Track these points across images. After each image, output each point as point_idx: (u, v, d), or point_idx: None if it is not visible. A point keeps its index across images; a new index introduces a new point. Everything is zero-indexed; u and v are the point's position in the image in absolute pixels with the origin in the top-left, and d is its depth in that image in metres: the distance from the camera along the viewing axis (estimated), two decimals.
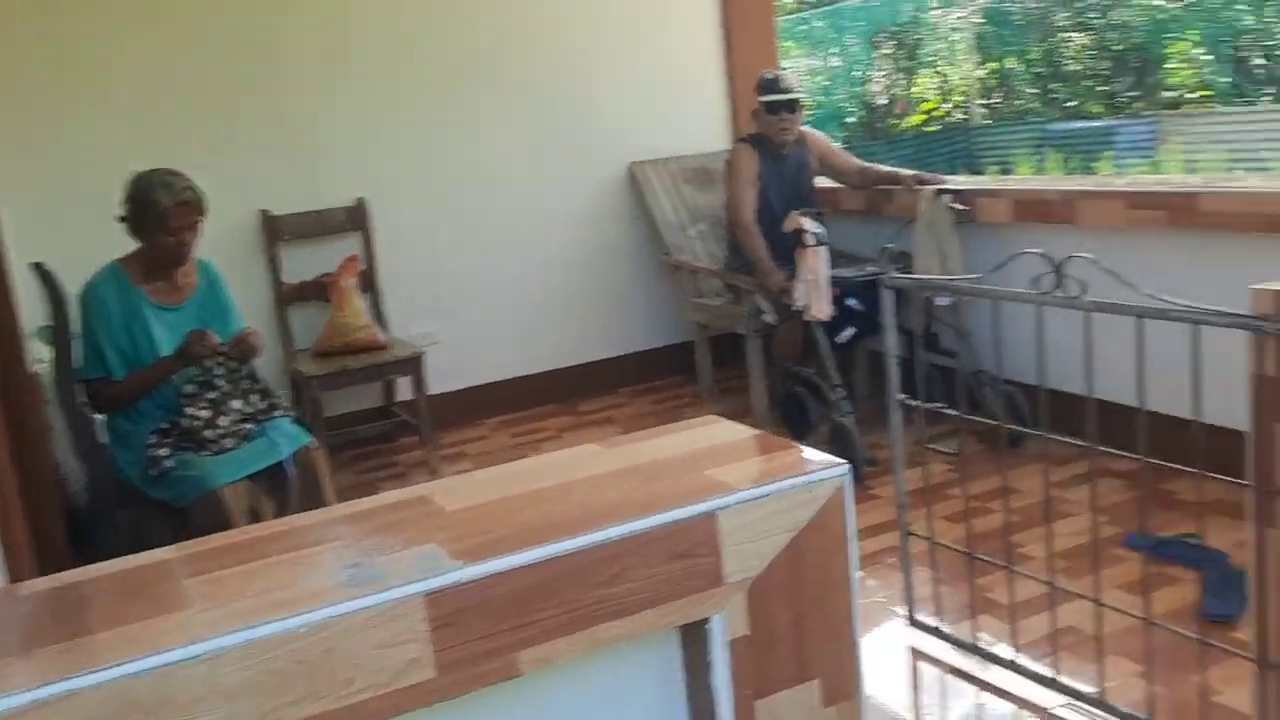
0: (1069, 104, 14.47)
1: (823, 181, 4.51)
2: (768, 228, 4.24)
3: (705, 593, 1.08)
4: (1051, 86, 15.04)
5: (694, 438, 1.31)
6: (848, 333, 4.03)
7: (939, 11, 15.28)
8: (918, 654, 2.58)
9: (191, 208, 2.97)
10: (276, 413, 3.09)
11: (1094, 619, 2.24)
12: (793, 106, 4.23)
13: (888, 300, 2.48)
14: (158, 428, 3.01)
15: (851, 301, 3.98)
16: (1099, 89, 14.82)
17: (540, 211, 4.92)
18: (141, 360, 3.00)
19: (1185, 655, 2.26)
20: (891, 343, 2.49)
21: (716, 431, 1.34)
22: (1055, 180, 4.35)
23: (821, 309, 3.80)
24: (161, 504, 2.96)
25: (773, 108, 4.23)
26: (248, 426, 3.04)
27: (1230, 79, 13.06)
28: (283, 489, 3.02)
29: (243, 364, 3.05)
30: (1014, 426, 3.31)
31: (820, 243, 3.79)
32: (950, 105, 15.95)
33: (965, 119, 15.41)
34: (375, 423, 4.58)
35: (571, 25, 4.87)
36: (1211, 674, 2.16)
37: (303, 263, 4.46)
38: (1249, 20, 12.46)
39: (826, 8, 15.44)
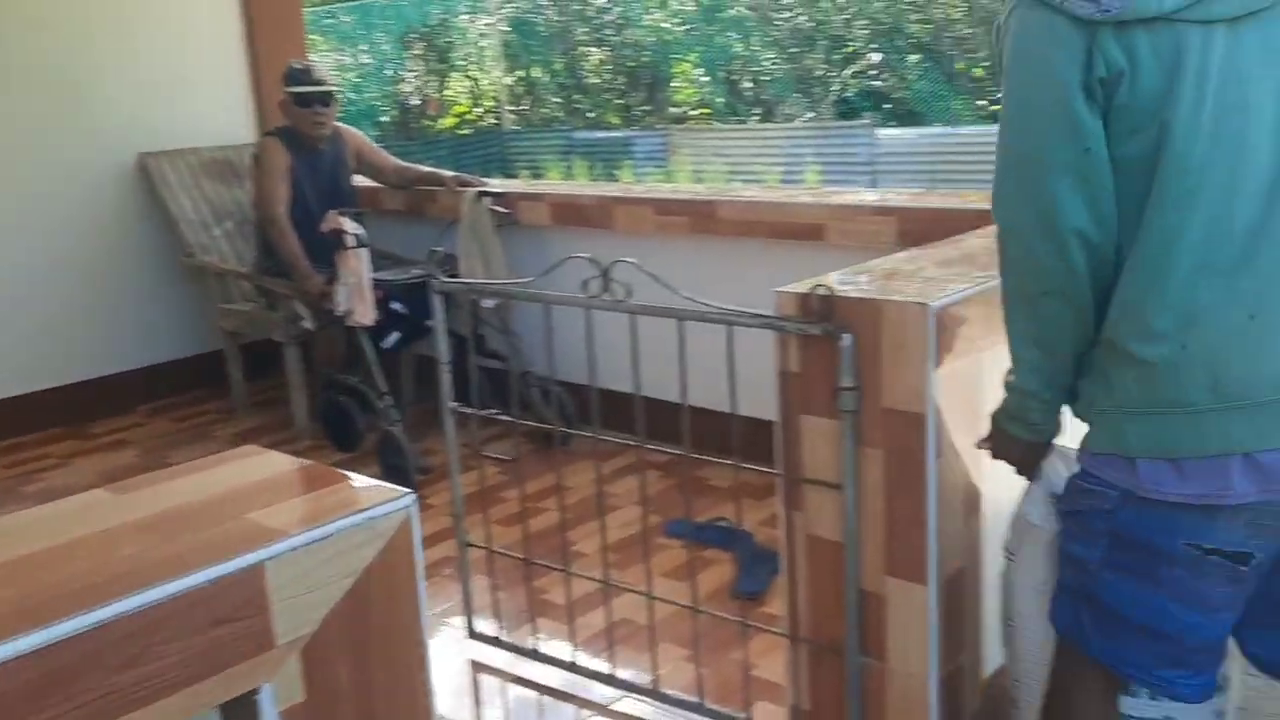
0: (590, 115, 15.37)
1: (360, 180, 4.33)
2: (303, 227, 3.99)
3: (252, 660, 0.91)
4: (575, 97, 15.89)
5: (228, 474, 1.13)
6: (393, 337, 3.89)
7: (467, 16, 15.52)
8: (478, 666, 2.53)
9: None
10: None
11: (645, 610, 2.32)
12: (326, 99, 4.01)
13: (437, 305, 2.39)
14: None
15: (396, 305, 3.85)
16: (616, 102, 15.89)
17: (31, 209, 4.25)
18: None
19: (728, 635, 2.41)
20: (442, 348, 2.41)
21: (256, 465, 1.17)
22: (591, 186, 4.53)
23: (365, 313, 3.63)
24: None
25: (304, 100, 3.98)
26: None
27: (725, 99, 14.58)
28: None
29: None
30: (562, 429, 3.38)
31: (361, 244, 3.61)
32: (482, 110, 16.30)
33: (497, 124, 15.81)
34: None
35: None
36: (750, 650, 2.32)
37: None
38: (738, 48, 13.99)
39: (355, 3, 15.09)
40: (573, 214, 3.84)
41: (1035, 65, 1.38)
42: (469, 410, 2.44)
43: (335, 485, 1.07)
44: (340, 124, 4.21)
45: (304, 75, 3.99)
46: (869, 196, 3.28)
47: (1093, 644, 1.51)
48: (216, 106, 4.76)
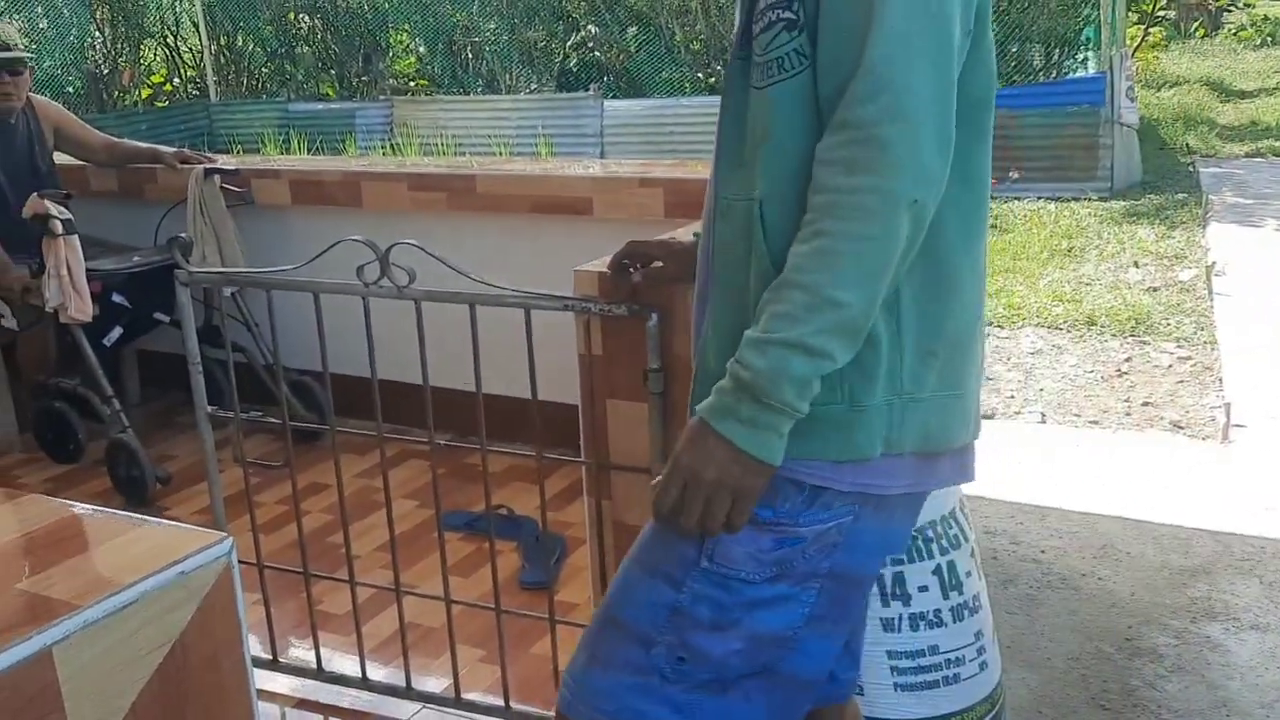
0: (304, 85, 14.59)
1: (63, 159, 3.84)
2: None
3: None
4: (286, 67, 15.04)
5: None
6: (115, 333, 3.48)
7: None
8: (262, 695, 2.29)
9: None
10: None
11: (433, 612, 2.17)
12: (15, 67, 3.51)
13: (185, 299, 2.12)
14: None
15: (117, 298, 3.44)
16: (331, 72, 15.19)
17: None
18: None
19: (523, 629, 2.31)
20: (193, 347, 2.14)
21: (11, 514, 0.95)
22: (336, 161, 4.24)
23: (81, 309, 3.22)
24: None
25: None
26: None
27: (446, 70, 14.24)
28: None
29: None
30: (311, 423, 3.14)
31: (70, 230, 3.19)
32: (180, 79, 15.10)
33: (199, 95, 14.71)
34: None
35: None
36: (550, 644, 2.22)
37: None
38: (458, 18, 13.67)
39: None
40: (315, 192, 3.57)
41: None
42: (227, 414, 2.19)
43: (128, 534, 0.88)
44: (35, 96, 3.71)
45: None
46: (632, 168, 3.23)
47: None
48: None
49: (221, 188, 3.56)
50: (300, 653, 2.41)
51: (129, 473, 3.21)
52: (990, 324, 5.19)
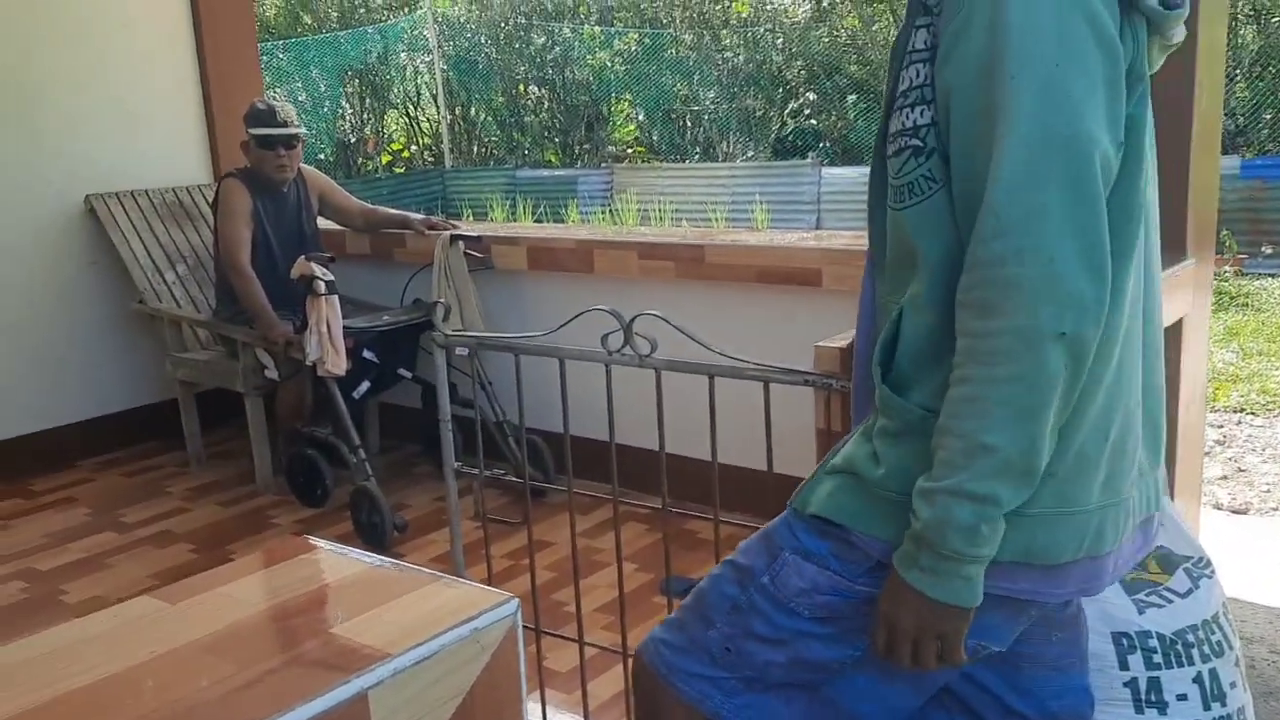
0: (528, 153, 15.31)
1: (324, 223, 4.18)
2: (267, 273, 3.82)
3: None
4: (515, 135, 15.82)
5: (290, 576, 1.00)
6: (363, 387, 3.73)
7: (406, 54, 15.40)
8: None
9: None
10: None
11: None
12: (291, 142, 3.85)
13: (441, 361, 2.26)
14: None
15: (367, 354, 3.69)
16: (555, 139, 15.86)
17: None
18: None
19: None
20: (445, 406, 2.27)
21: (316, 563, 1.03)
22: (570, 229, 4.41)
23: (337, 363, 3.47)
24: None
25: (267, 142, 3.82)
26: None
27: (664, 137, 14.62)
28: None
29: None
30: (540, 481, 3.25)
31: (332, 290, 3.46)
32: (417, 147, 16.15)
33: (435, 162, 15.67)
34: None
35: (10, 30, 4.05)
36: None
37: None
38: (678, 88, 14.04)
39: (290, 39, 14.88)
40: (549, 258, 3.73)
41: (1083, 19, 1.04)
42: (472, 471, 2.30)
43: (422, 589, 0.94)
44: (304, 166, 4.06)
45: (268, 116, 3.83)
46: (849, 240, 3.22)
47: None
48: (169, 146, 4.57)
49: (465, 253, 3.78)
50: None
51: (370, 519, 3.41)
52: (1241, 411, 4.83)
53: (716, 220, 10.03)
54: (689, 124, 14.28)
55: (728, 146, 13.50)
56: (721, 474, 2.00)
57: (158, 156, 4.53)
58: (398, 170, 15.47)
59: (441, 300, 2.25)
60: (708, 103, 13.78)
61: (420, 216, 4.12)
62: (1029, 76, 1.01)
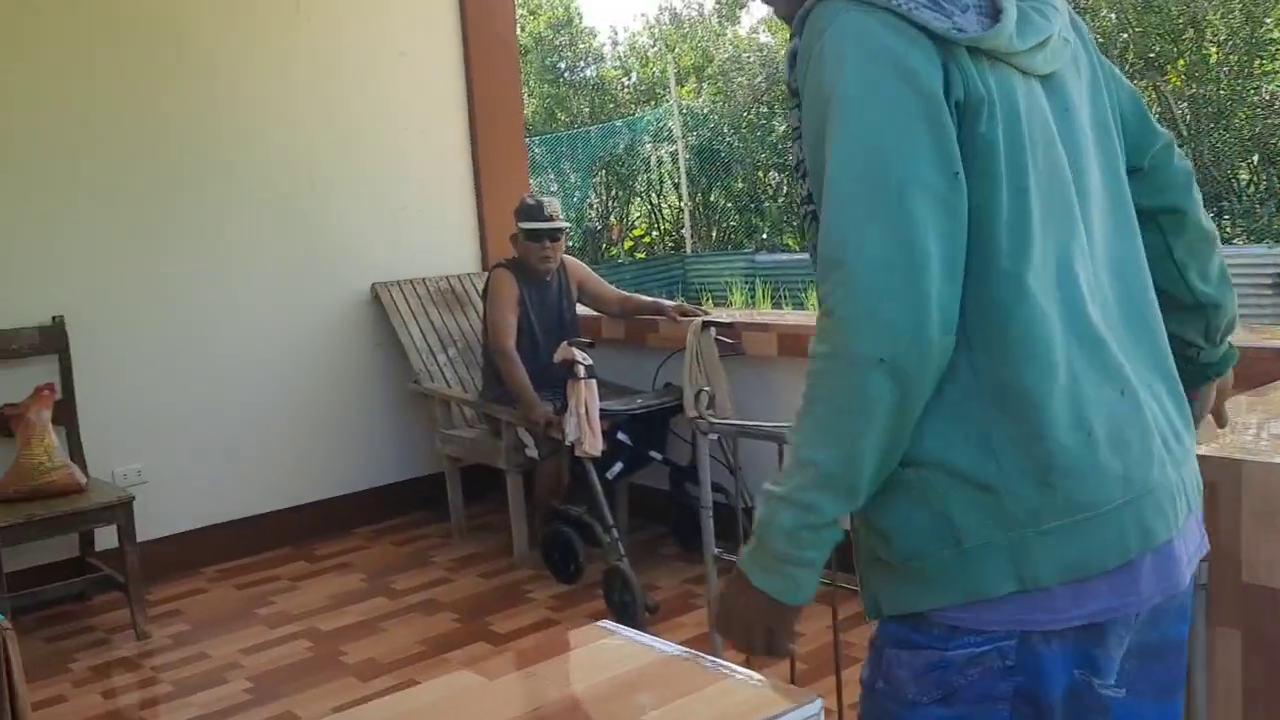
0: (768, 237, 15.47)
1: (580, 309, 4.39)
2: (530, 357, 4.04)
3: None
4: (753, 220, 16.05)
5: (592, 662, 1.05)
6: (616, 468, 3.86)
7: (651, 145, 15.99)
8: None
9: None
10: None
11: None
12: (555, 235, 4.09)
13: (703, 448, 2.31)
14: None
15: (621, 436, 3.82)
16: (793, 224, 15.94)
17: (270, 335, 4.47)
18: None
19: None
20: (707, 492, 2.32)
21: (615, 651, 1.08)
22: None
23: (593, 444, 3.61)
24: None
25: (534, 235, 4.07)
26: None
27: None
28: None
29: None
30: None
31: (591, 375, 3.62)
32: (658, 233, 16.65)
33: (675, 247, 16.09)
34: (69, 580, 3.88)
35: (308, 136, 4.53)
36: None
37: None
38: None
39: (545, 135, 15.80)
40: (799, 345, 3.76)
41: (887, 68, 1.10)
42: (731, 557, 2.32)
43: (720, 682, 0.97)
44: (565, 255, 4.29)
45: (536, 211, 4.08)
46: None
47: None
48: (445, 238, 4.94)
49: (716, 339, 3.86)
50: None
51: (622, 598, 3.49)
52: None
53: None
54: None
55: None
56: None
57: (435, 248, 4.90)
58: (639, 256, 16.00)
59: (706, 388, 2.31)
60: None
61: (672, 303, 4.26)
62: (845, 135, 1.10)
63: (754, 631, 1.21)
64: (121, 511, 3.59)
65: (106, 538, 3.83)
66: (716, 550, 2.34)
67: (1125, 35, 11.22)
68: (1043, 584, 1.11)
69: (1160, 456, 1.18)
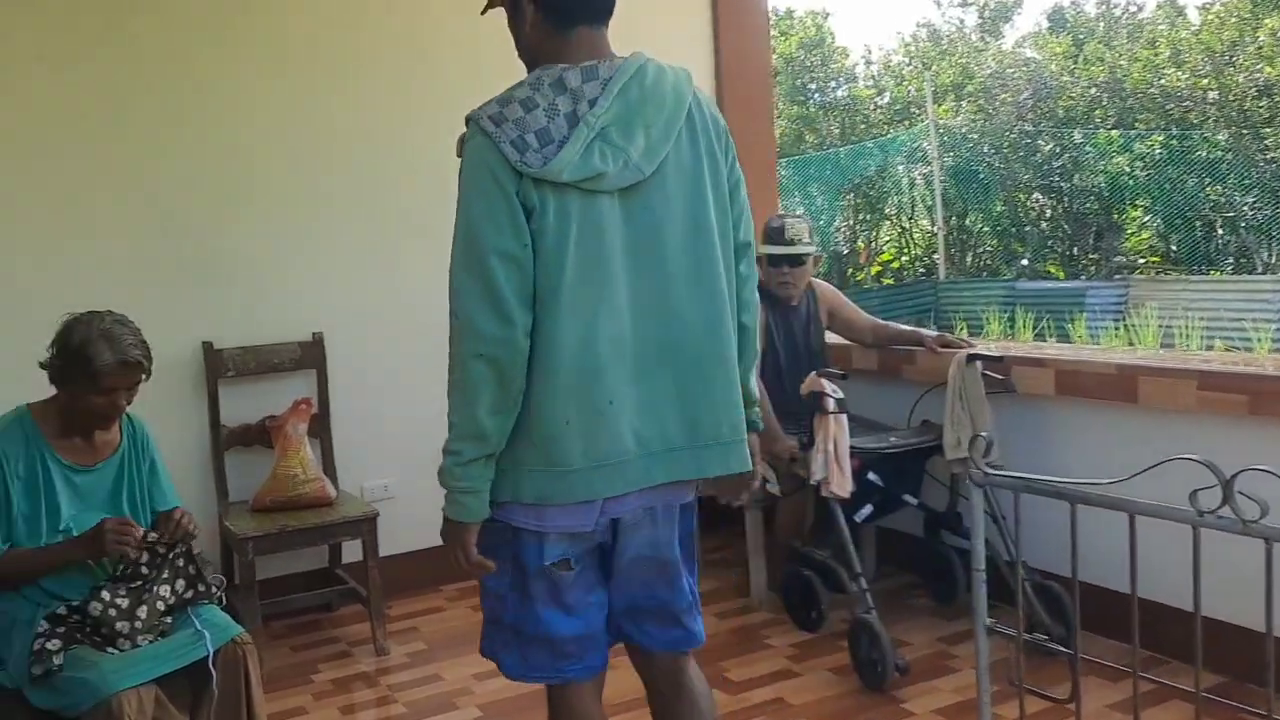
0: (1025, 263, 14.55)
1: (830, 338, 4.12)
2: (772, 386, 3.81)
3: None
4: (1013, 246, 15.15)
5: None
6: (865, 511, 3.55)
7: (904, 167, 15.45)
8: None
9: (134, 369, 2.46)
10: (203, 601, 2.53)
11: None
12: (795, 261, 3.84)
13: (977, 502, 2.01)
14: (53, 611, 2.42)
15: (872, 476, 3.52)
16: (1058, 250, 14.93)
17: None
18: (37, 530, 2.43)
19: None
20: (980, 554, 2.01)
21: None
22: (1105, 351, 3.96)
23: (842, 484, 3.34)
24: (48, 714, 2.35)
25: (773, 260, 3.85)
26: (166, 620, 2.47)
27: (1186, 248, 13.18)
28: (202, 693, 2.44)
29: (173, 548, 2.52)
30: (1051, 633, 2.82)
31: (842, 409, 3.35)
32: (907, 258, 16.02)
33: (925, 273, 15.43)
34: (316, 590, 3.97)
35: None
36: None
37: (246, 403, 3.92)
38: (1210, 193, 12.64)
39: (791, 158, 15.54)
40: (1077, 383, 3.35)
41: (485, 177, 1.75)
42: (1009, 631, 2.01)
43: None
44: (816, 280, 4.04)
45: (776, 235, 3.86)
46: None
47: (505, 664, 1.97)
48: None
49: (983, 374, 3.50)
50: None
51: (870, 655, 3.19)
52: None
53: (1261, 342, 8.74)
54: (1219, 231, 12.80)
55: (1269, 256, 11.88)
56: None
57: None
58: (886, 281, 15.44)
59: (983, 434, 2.01)
60: (1244, 208, 12.26)
61: (933, 333, 3.92)
62: (460, 213, 1.78)
63: (452, 551, 1.85)
64: (365, 527, 3.63)
65: (353, 550, 3.90)
66: (990, 620, 2.03)
67: None
68: (525, 500, 1.81)
69: (626, 447, 1.80)
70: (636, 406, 1.80)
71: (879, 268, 16.09)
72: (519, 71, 1.87)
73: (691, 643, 2.04)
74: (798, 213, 3.98)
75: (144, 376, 2.51)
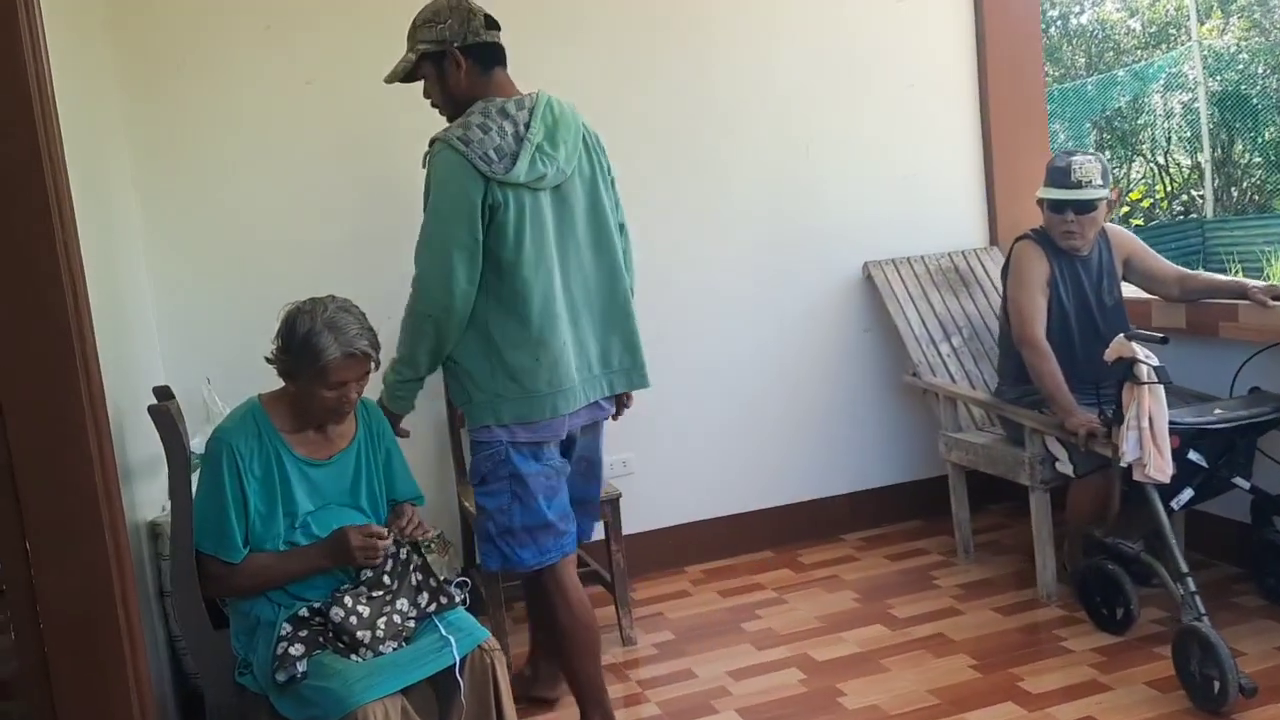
0: None
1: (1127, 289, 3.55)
2: (1060, 348, 3.32)
3: None
4: None
5: None
6: (1185, 496, 3.02)
7: (1160, 96, 14.01)
8: None
9: (362, 361, 2.30)
10: (446, 610, 2.34)
11: None
12: (1084, 207, 3.30)
13: None
14: (295, 613, 2.28)
15: (1193, 456, 2.97)
16: None
17: (755, 321, 4.09)
18: (275, 529, 2.29)
19: None
20: None
21: None
22: None
23: (1160, 466, 2.82)
24: None
25: (1057, 206, 3.32)
26: (410, 625, 2.29)
27: None
28: (450, 703, 2.24)
29: (410, 559, 2.35)
30: None
31: (1163, 378, 2.82)
32: (1164, 197, 14.59)
33: (1183, 212, 14.02)
34: None
35: (801, 96, 4.09)
36: None
37: None
38: None
39: None
40: None
41: (455, 185, 2.43)
42: None
43: None
44: (1110, 225, 3.49)
45: (1060, 176, 3.33)
46: None
47: (525, 560, 2.59)
48: (946, 210, 4.30)
49: None
50: None
51: (1203, 670, 2.68)
52: None
53: None
54: None
55: None
56: None
57: (935, 221, 4.27)
58: (1135, 223, 14.11)
59: None
60: None
61: (1261, 284, 3.29)
62: (430, 207, 2.48)
63: (394, 423, 2.58)
64: (609, 507, 3.39)
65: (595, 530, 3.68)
66: None
67: None
68: (504, 423, 2.51)
69: (580, 375, 2.58)
70: (574, 345, 2.57)
71: (1126, 208, 14.73)
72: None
73: (587, 537, 2.88)
74: (1088, 151, 3.38)
75: (373, 366, 2.33)
